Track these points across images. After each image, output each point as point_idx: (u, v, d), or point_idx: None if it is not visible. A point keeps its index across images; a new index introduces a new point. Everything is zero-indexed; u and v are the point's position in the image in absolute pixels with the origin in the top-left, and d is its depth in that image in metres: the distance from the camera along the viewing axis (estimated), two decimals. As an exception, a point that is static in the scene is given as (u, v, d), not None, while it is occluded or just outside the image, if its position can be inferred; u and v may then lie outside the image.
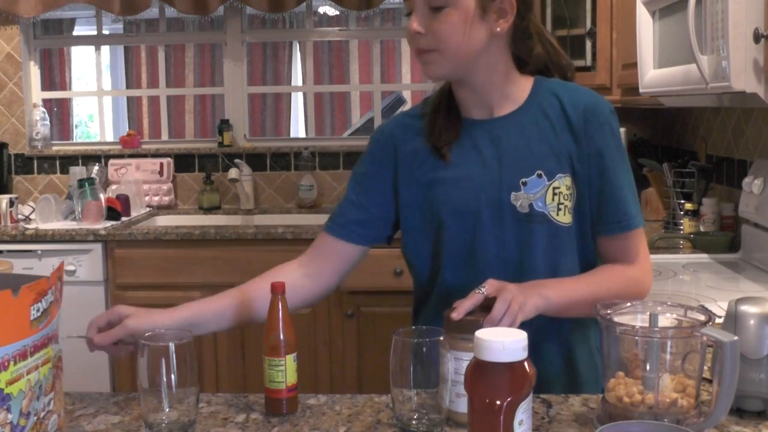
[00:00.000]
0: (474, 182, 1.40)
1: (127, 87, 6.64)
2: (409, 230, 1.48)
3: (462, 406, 1.07)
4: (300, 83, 6.24)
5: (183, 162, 4.06)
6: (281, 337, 1.21)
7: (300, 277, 1.48)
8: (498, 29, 1.36)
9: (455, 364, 1.10)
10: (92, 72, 4.85)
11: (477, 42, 1.35)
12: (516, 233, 1.39)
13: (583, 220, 1.41)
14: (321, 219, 3.73)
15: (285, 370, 1.20)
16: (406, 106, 5.50)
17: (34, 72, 4.17)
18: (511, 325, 1.16)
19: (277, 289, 1.22)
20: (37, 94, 4.17)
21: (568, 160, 1.39)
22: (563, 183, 1.38)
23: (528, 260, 1.39)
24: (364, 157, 1.52)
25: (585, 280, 1.38)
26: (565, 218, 1.38)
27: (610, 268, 1.41)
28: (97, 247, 3.39)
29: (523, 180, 1.38)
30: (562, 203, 1.38)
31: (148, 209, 3.95)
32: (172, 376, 1.08)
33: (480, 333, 0.93)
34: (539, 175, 1.37)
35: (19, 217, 3.63)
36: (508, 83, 1.42)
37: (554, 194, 1.37)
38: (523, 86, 1.44)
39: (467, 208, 1.40)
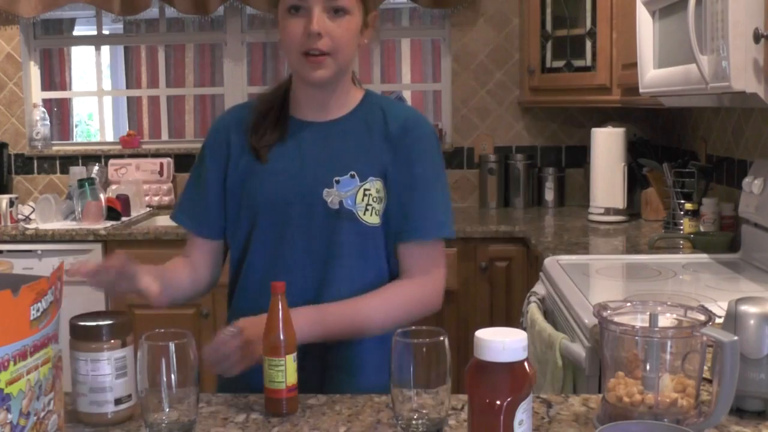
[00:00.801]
0: (289, 175, 1.47)
1: (127, 87, 6.63)
2: (228, 216, 1.53)
3: (82, 405, 1.16)
4: (300, 83, 6.23)
5: (183, 162, 4.06)
6: (281, 336, 1.21)
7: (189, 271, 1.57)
8: (365, 40, 1.47)
9: (75, 365, 1.17)
10: (92, 72, 4.85)
11: (355, 51, 1.46)
12: (324, 227, 1.45)
13: (390, 224, 1.48)
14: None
15: (285, 370, 1.20)
16: (406, 106, 5.50)
17: (34, 72, 4.18)
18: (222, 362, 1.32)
19: (277, 289, 1.22)
20: (37, 94, 4.18)
21: (381, 165, 1.47)
22: (374, 186, 1.46)
23: (334, 254, 1.46)
24: (203, 148, 1.56)
25: (355, 309, 1.43)
26: (372, 219, 1.46)
27: (389, 291, 1.47)
28: (97, 247, 3.39)
29: (337, 178, 1.45)
30: (371, 205, 1.45)
31: (148, 209, 3.95)
32: (172, 376, 1.08)
33: (480, 333, 0.93)
34: (352, 176, 1.46)
35: (19, 217, 3.63)
36: (347, 91, 1.52)
37: (364, 195, 1.45)
38: (354, 95, 1.53)
39: (280, 198, 1.46)
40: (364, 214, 1.46)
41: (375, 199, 1.46)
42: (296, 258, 1.46)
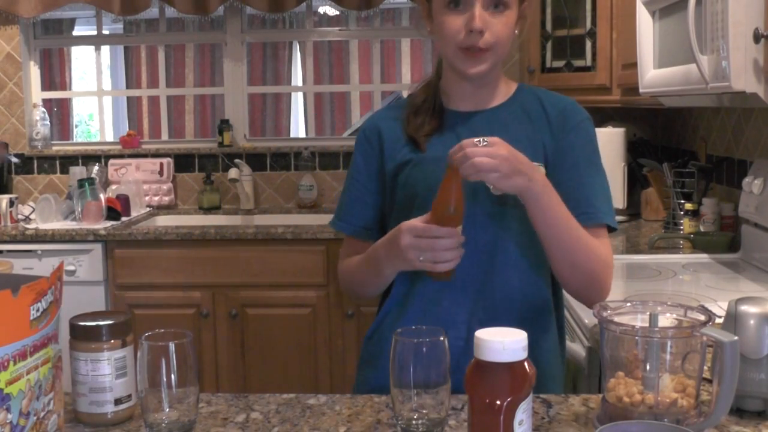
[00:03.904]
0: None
1: (127, 87, 6.64)
2: (389, 211, 1.51)
3: (82, 405, 1.15)
4: (300, 83, 6.24)
5: (183, 162, 4.06)
6: (452, 208, 1.25)
7: None
8: (517, 32, 1.44)
9: (75, 365, 1.16)
10: (92, 72, 4.86)
11: (510, 44, 1.43)
12: (489, 213, 1.42)
13: None
14: (321, 219, 3.74)
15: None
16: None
17: (34, 72, 4.18)
18: (465, 161, 1.24)
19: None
20: (37, 94, 4.18)
21: (543, 151, 1.44)
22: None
23: (500, 241, 1.42)
24: (355, 152, 1.56)
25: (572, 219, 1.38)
26: None
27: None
28: (97, 247, 3.39)
29: None
30: None
31: (148, 209, 3.95)
32: (172, 376, 1.08)
33: (480, 333, 0.93)
34: None
35: (19, 217, 3.63)
36: (500, 81, 1.50)
37: None
38: (508, 85, 1.52)
39: None
40: None
41: None
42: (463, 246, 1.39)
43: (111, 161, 4.03)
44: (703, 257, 2.47)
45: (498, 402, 0.91)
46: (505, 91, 1.50)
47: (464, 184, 1.28)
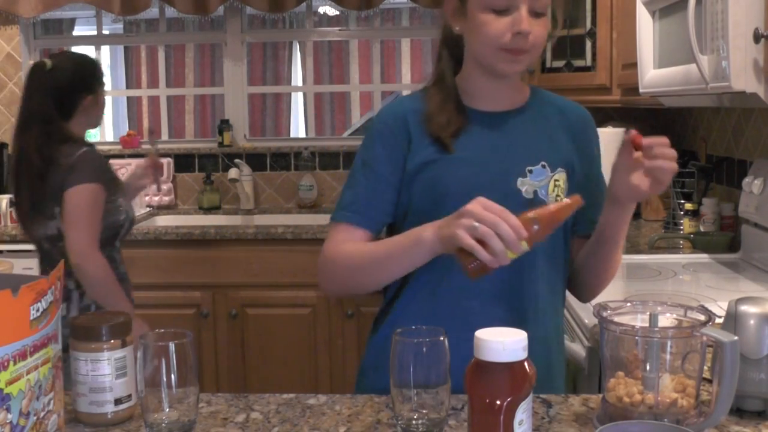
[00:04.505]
0: (480, 164, 1.41)
1: (127, 87, 6.64)
2: (413, 210, 1.44)
3: (82, 405, 1.16)
4: (300, 83, 6.24)
5: (183, 162, 4.06)
6: (541, 225, 1.21)
7: None
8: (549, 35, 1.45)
9: (75, 365, 1.16)
10: (92, 72, 4.85)
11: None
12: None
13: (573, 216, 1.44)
14: (321, 219, 3.75)
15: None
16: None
17: (34, 72, 4.17)
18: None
19: None
20: (37, 94, 4.17)
21: (566, 157, 1.46)
22: (561, 177, 1.44)
23: (531, 253, 1.37)
24: (374, 142, 1.46)
25: None
26: None
27: None
28: (97, 247, 3.39)
29: (529, 168, 1.42)
30: (559, 196, 1.43)
31: (148, 209, 3.95)
32: (172, 376, 1.08)
33: (480, 333, 0.93)
34: (543, 166, 1.43)
35: (19, 217, 3.62)
36: (519, 84, 1.51)
37: (554, 186, 1.43)
38: (524, 89, 1.52)
39: (472, 187, 1.34)
40: None
41: (562, 191, 1.43)
42: None
43: (111, 161, 4.02)
44: (703, 257, 2.47)
45: (498, 402, 0.91)
46: (522, 92, 1.50)
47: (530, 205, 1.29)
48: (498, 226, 1.17)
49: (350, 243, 1.43)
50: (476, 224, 1.17)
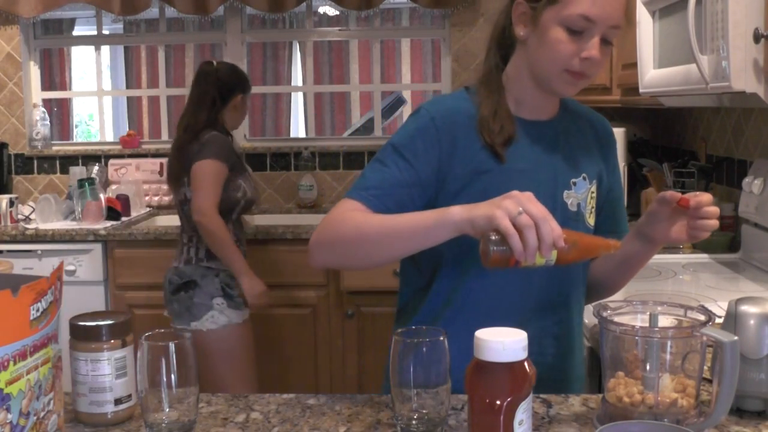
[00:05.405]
0: (531, 176, 1.38)
1: (127, 87, 6.63)
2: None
3: (82, 405, 1.15)
4: (300, 83, 6.23)
5: (183, 162, 4.05)
6: (574, 248, 1.17)
7: None
8: None
9: (75, 365, 1.16)
10: (92, 72, 4.85)
11: None
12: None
13: (598, 227, 1.48)
14: (321, 219, 3.73)
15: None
16: (407, 107, 5.50)
17: (34, 72, 4.18)
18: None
19: None
20: (37, 94, 4.18)
21: (598, 169, 1.47)
22: (595, 188, 1.45)
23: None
24: (414, 134, 1.39)
25: None
26: (592, 221, 1.45)
27: None
28: (97, 247, 3.39)
29: (573, 180, 1.42)
30: (593, 207, 1.45)
31: (148, 209, 3.95)
32: (172, 376, 1.08)
33: (480, 333, 0.93)
34: (584, 178, 1.44)
35: (19, 217, 3.63)
36: None
37: (591, 198, 1.44)
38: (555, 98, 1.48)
39: None
40: (589, 216, 1.44)
41: (596, 202, 1.45)
42: None
43: (111, 161, 4.03)
44: (703, 257, 2.47)
45: (498, 402, 0.91)
46: (555, 101, 1.47)
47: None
48: (542, 222, 1.11)
49: (360, 213, 1.34)
50: (520, 210, 1.12)
